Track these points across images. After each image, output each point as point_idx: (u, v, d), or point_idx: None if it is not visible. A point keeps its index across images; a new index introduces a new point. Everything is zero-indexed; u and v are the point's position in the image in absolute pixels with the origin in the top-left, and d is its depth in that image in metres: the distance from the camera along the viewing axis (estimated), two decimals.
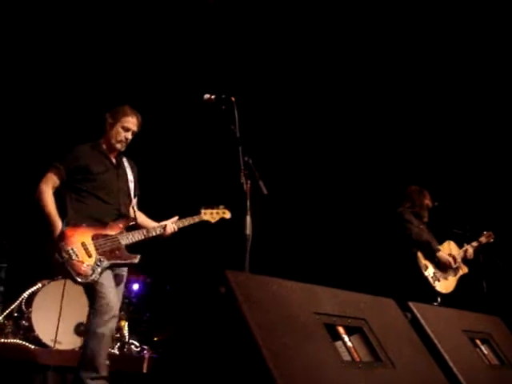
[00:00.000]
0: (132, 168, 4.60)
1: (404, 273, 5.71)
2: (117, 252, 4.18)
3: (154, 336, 7.32)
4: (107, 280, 4.10)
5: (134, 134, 4.48)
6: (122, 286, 4.50)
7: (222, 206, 4.83)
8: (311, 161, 8.58)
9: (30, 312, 5.72)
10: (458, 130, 7.77)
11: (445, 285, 5.77)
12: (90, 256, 4.03)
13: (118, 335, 6.51)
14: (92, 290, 4.04)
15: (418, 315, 3.26)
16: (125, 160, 4.59)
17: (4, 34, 6.81)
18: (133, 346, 6.46)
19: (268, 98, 8.11)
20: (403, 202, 6.07)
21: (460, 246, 6.16)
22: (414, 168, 7.62)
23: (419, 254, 5.69)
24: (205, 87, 4.10)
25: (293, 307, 2.47)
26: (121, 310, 6.68)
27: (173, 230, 4.51)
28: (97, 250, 4.08)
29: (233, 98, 3.82)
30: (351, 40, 7.55)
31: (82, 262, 3.97)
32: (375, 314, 2.93)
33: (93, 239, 4.10)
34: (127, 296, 7.08)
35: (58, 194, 4.24)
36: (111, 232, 4.21)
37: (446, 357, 3.07)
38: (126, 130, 4.42)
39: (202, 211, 4.73)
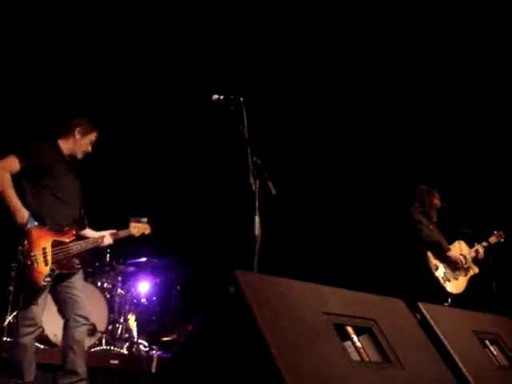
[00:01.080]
0: (78, 177, 4.69)
1: (414, 273, 5.67)
2: (65, 261, 4.26)
3: (162, 336, 7.33)
4: (41, 295, 4.17)
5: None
6: (79, 276, 4.45)
7: (145, 220, 4.92)
8: (320, 161, 8.57)
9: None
10: (468, 129, 7.73)
11: (455, 285, 5.73)
12: (46, 264, 4.12)
13: (127, 335, 6.53)
14: (24, 298, 4.12)
15: (427, 316, 3.25)
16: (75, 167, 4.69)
17: None
18: (142, 346, 6.48)
19: (277, 99, 8.10)
20: (413, 202, 6.03)
21: (470, 245, 6.12)
22: (424, 168, 7.59)
23: (429, 254, 5.66)
24: (213, 88, 4.10)
25: (302, 307, 2.47)
26: (129, 310, 6.76)
27: (109, 242, 4.66)
28: (53, 258, 4.16)
29: (241, 99, 3.82)
30: (360, 39, 7.54)
31: (41, 273, 4.06)
32: (384, 315, 2.93)
33: (52, 246, 4.18)
34: (136, 296, 7.10)
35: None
36: (66, 239, 4.30)
37: (456, 357, 3.05)
38: (91, 143, 4.61)
39: (132, 224, 4.84)
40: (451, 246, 5.91)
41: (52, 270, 4.12)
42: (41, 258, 4.08)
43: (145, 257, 7.25)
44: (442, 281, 5.62)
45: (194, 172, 8.48)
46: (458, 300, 5.72)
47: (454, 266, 5.78)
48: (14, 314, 5.94)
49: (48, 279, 4.09)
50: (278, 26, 7.45)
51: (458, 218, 6.27)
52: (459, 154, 7.82)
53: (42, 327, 5.34)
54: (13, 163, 4.23)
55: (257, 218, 3.50)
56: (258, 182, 3.57)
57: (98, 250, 6.04)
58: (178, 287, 8.09)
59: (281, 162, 7.10)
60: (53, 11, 6.90)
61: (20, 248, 4.02)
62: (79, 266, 4.38)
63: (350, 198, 8.36)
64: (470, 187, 7.52)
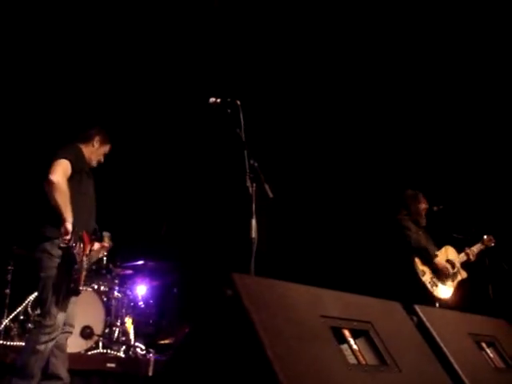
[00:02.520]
0: None
1: (402, 278, 5.68)
2: (89, 269, 4.37)
3: (159, 339, 7.32)
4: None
5: None
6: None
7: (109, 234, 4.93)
8: (317, 164, 8.58)
9: (36, 315, 5.74)
10: (460, 132, 7.75)
11: (443, 290, 5.73)
12: (85, 270, 4.18)
13: (124, 338, 6.52)
14: (50, 305, 4.10)
15: (424, 318, 3.26)
16: None
17: None
18: (138, 349, 6.47)
19: (273, 102, 8.11)
20: (400, 210, 6.03)
21: (460, 250, 6.11)
22: (419, 172, 7.60)
23: (417, 260, 5.65)
24: (210, 91, 4.11)
25: (299, 310, 2.48)
26: (126, 313, 6.75)
27: (103, 255, 4.74)
28: (87, 264, 4.22)
29: (238, 102, 3.83)
30: (354, 44, 7.56)
31: (82, 279, 4.12)
32: (381, 317, 2.93)
33: (88, 251, 4.26)
34: (133, 299, 7.10)
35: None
36: (94, 247, 4.37)
37: (452, 360, 3.06)
38: (104, 155, 4.73)
39: (106, 239, 4.79)
40: (438, 252, 5.91)
41: (85, 277, 4.19)
42: (85, 263, 4.17)
43: (142, 260, 7.25)
44: (429, 286, 5.62)
45: (190, 175, 8.48)
46: (456, 302, 5.73)
47: (440, 272, 5.78)
48: (11, 317, 5.96)
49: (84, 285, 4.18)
50: (274, 28, 7.46)
51: (449, 223, 6.27)
52: (452, 158, 7.83)
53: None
54: (69, 169, 4.24)
55: (253, 221, 3.50)
56: (254, 184, 3.57)
57: None
58: (175, 290, 8.09)
59: (278, 165, 7.11)
60: (53, 16, 6.91)
61: (76, 250, 4.04)
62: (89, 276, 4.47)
63: (347, 201, 8.37)
64: (464, 191, 7.53)
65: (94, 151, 4.63)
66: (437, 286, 5.70)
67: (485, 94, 7.54)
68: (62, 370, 4.25)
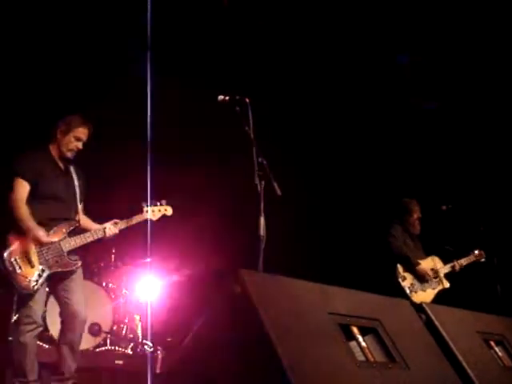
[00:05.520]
0: (79, 175, 4.62)
1: (384, 282, 5.83)
2: (58, 260, 4.24)
3: (167, 336, 7.33)
4: (38, 293, 4.18)
5: (84, 144, 4.54)
6: (77, 276, 4.43)
7: (164, 201, 4.83)
8: (327, 160, 8.57)
9: (45, 312, 5.74)
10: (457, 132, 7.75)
11: (421, 296, 5.88)
12: (32, 266, 4.12)
13: (132, 335, 6.54)
14: (19, 299, 4.15)
15: (433, 316, 3.26)
16: (72, 167, 4.60)
17: None
18: (146, 347, 6.48)
19: (283, 100, 8.11)
20: (393, 220, 6.22)
21: (449, 261, 6.24)
22: (421, 174, 7.62)
23: (399, 266, 5.89)
24: (219, 88, 4.11)
25: (307, 307, 2.48)
26: (134, 310, 6.76)
27: (113, 232, 4.57)
28: (39, 258, 4.16)
29: (247, 99, 3.83)
30: (362, 47, 7.55)
31: (25, 277, 4.07)
32: (389, 315, 2.94)
33: (36, 247, 4.17)
34: (141, 296, 7.10)
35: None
36: (54, 238, 4.27)
37: (460, 358, 3.06)
38: (78, 139, 4.48)
39: (144, 209, 4.72)
40: (423, 261, 6.07)
41: (42, 271, 4.13)
42: (23, 262, 4.09)
43: (150, 257, 7.25)
44: (407, 291, 5.81)
45: (200, 172, 8.48)
46: (464, 301, 5.73)
47: (421, 278, 5.95)
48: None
49: (38, 280, 4.11)
50: (283, 26, 7.45)
51: (460, 222, 6.31)
52: (459, 157, 7.82)
53: (44, 326, 5.36)
54: (24, 190, 4.25)
55: (262, 219, 3.50)
56: (263, 182, 3.57)
57: (103, 250, 6.01)
58: (184, 287, 8.09)
59: (286, 163, 7.10)
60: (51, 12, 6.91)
61: (0, 255, 4.05)
62: (77, 262, 4.34)
63: (357, 198, 8.36)
64: (471, 190, 7.52)
65: (61, 142, 4.45)
66: (416, 292, 5.89)
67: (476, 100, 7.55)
68: (68, 366, 4.26)
